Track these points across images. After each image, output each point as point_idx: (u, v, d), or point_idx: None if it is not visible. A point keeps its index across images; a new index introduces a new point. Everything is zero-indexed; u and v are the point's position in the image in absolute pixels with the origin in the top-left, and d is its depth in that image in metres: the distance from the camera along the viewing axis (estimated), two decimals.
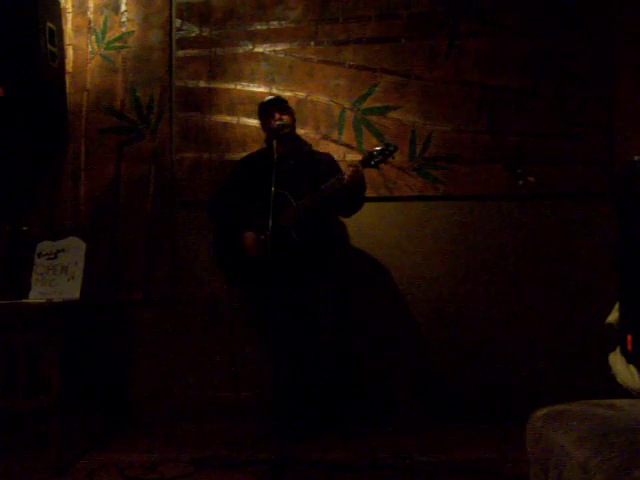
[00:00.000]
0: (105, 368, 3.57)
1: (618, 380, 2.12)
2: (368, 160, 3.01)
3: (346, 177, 2.95)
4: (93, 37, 3.79)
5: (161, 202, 3.73)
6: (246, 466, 2.66)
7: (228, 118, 3.70)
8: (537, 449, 1.42)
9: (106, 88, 3.77)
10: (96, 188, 3.75)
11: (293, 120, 3.30)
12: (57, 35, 3.49)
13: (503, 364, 3.46)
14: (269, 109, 3.26)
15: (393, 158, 3.10)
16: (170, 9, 3.76)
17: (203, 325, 3.65)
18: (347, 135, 3.63)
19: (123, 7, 3.78)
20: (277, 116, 3.21)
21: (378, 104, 3.62)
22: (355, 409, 3.45)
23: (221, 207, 3.35)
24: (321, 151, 3.45)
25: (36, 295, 3.11)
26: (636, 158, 1.69)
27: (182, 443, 3.12)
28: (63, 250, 3.16)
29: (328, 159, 3.32)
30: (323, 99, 3.65)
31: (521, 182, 3.51)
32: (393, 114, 3.61)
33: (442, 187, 3.57)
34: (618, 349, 2.14)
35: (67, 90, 3.74)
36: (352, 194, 3.06)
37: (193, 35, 3.75)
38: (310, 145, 3.40)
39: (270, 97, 3.39)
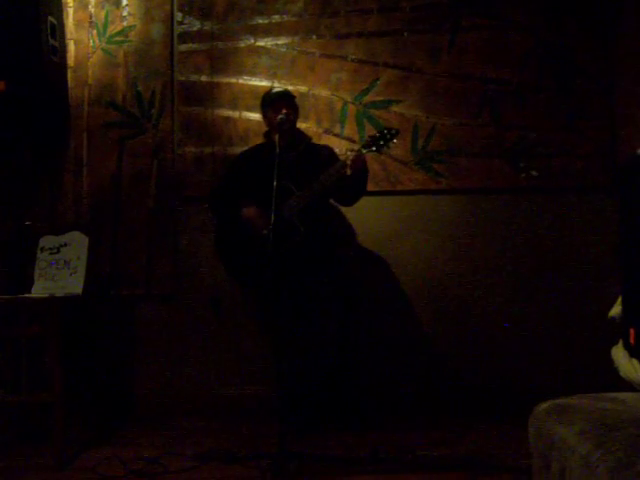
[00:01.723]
0: (108, 363, 3.58)
1: (621, 374, 2.11)
2: (370, 144, 3.01)
3: (349, 162, 2.95)
4: (94, 31, 3.78)
5: (163, 196, 3.72)
6: (249, 460, 2.66)
7: (230, 112, 3.70)
8: (539, 443, 1.42)
9: (108, 82, 3.77)
10: (98, 183, 3.75)
11: (296, 116, 3.29)
12: (58, 29, 3.48)
13: (505, 358, 3.47)
14: (278, 102, 3.22)
15: (394, 142, 3.08)
16: (171, 3, 3.75)
17: (205, 320, 3.65)
18: (349, 129, 3.62)
19: (124, 1, 3.77)
20: (284, 111, 3.17)
21: (380, 98, 3.61)
22: (357, 404, 3.45)
23: (223, 201, 3.34)
24: (321, 144, 3.45)
25: (39, 290, 3.11)
26: (639, 151, 1.68)
27: (185, 437, 3.12)
28: (65, 245, 3.16)
29: (328, 151, 3.32)
30: (325, 93, 3.64)
31: (523, 175, 3.51)
32: (395, 108, 3.60)
33: (444, 181, 3.56)
34: (621, 343, 2.13)
35: (68, 84, 3.73)
36: (355, 180, 3.06)
37: (195, 29, 3.74)
38: (310, 138, 3.39)
39: (279, 89, 3.36)
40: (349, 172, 2.96)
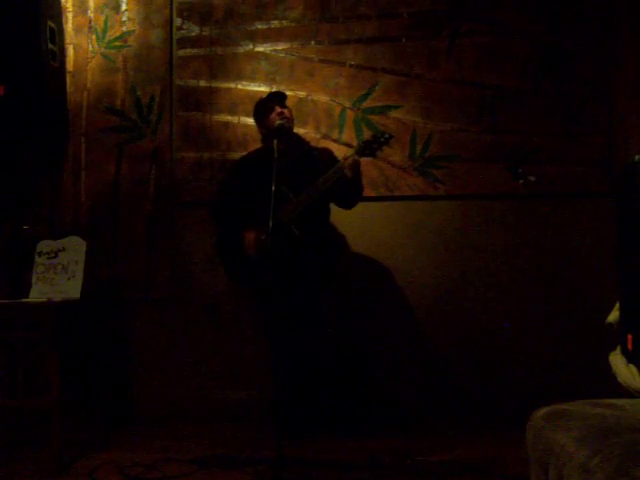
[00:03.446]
0: (105, 367, 3.57)
1: (619, 380, 2.11)
2: (363, 149, 3.01)
3: (345, 167, 2.96)
4: (94, 36, 3.79)
5: (161, 202, 3.73)
6: (246, 465, 2.66)
7: (229, 117, 3.70)
8: (537, 448, 1.42)
9: (106, 87, 3.78)
10: (96, 187, 3.75)
11: (292, 116, 3.29)
12: (58, 34, 3.50)
13: (504, 363, 3.46)
14: (270, 104, 3.22)
15: (388, 146, 3.09)
16: (171, 8, 3.76)
17: (203, 324, 3.65)
18: (347, 134, 3.62)
19: (124, 6, 3.78)
20: (279, 109, 3.18)
21: (379, 103, 3.62)
22: (355, 408, 3.45)
23: (224, 210, 3.33)
24: (321, 147, 3.44)
25: (36, 294, 3.11)
26: (636, 158, 1.68)
27: (182, 442, 3.11)
28: (63, 249, 3.16)
29: (328, 155, 3.30)
30: (324, 98, 3.64)
31: (521, 181, 3.51)
32: (394, 113, 3.60)
33: (442, 187, 3.56)
34: (618, 348, 2.14)
35: (67, 89, 3.74)
36: (351, 184, 3.06)
37: (194, 34, 3.75)
38: (309, 142, 3.39)
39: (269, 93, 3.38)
40: (349, 174, 2.97)
